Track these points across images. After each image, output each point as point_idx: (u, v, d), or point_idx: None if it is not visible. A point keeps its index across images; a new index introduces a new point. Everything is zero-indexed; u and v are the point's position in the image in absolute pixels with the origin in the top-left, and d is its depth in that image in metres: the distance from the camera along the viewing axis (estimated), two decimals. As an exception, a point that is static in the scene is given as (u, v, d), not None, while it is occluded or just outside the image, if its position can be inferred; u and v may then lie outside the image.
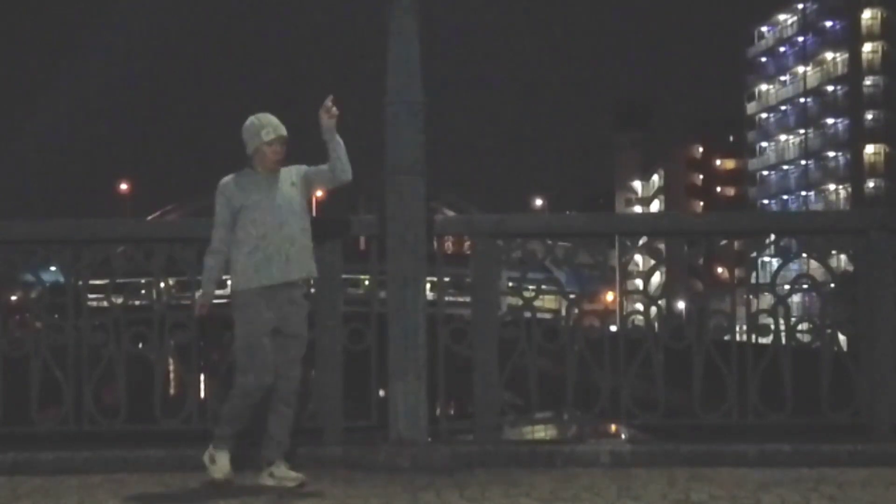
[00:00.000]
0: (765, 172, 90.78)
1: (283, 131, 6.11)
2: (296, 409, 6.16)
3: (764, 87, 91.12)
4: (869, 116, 78.14)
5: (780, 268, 7.10)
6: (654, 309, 6.93)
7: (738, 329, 7.01)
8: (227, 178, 6.13)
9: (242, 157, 6.20)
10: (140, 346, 6.92)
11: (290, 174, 6.14)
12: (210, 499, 5.79)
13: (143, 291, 7.35)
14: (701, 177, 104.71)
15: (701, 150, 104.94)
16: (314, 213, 6.49)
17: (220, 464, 5.99)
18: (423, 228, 6.68)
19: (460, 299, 11.43)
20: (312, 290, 6.80)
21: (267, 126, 6.08)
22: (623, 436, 17.71)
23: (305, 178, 6.17)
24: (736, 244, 7.05)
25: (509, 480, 6.08)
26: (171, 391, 10.69)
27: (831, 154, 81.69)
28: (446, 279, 7.14)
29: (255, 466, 6.10)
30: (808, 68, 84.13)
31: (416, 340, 6.57)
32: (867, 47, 78.32)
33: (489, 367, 6.76)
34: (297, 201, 6.11)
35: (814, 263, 7.85)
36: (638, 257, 9.20)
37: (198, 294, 6.28)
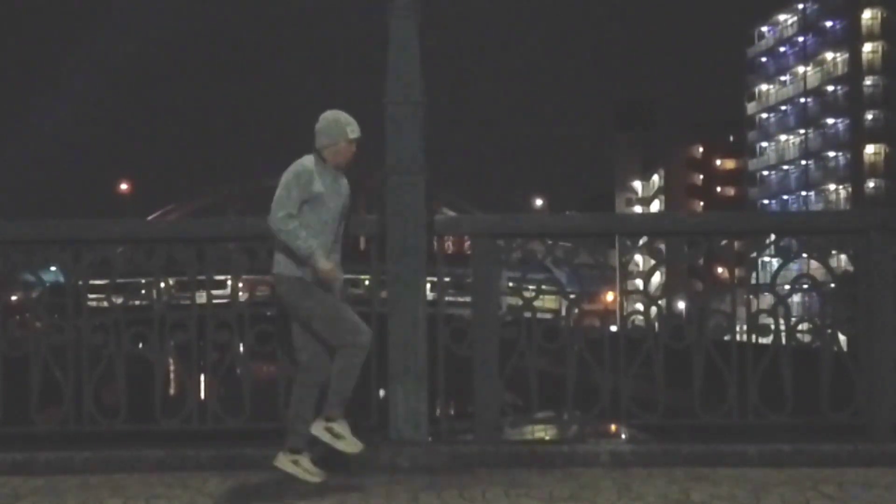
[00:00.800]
0: (765, 172, 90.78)
1: (358, 133, 6.21)
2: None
3: (764, 87, 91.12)
4: (869, 116, 78.13)
5: (780, 268, 7.10)
6: (654, 309, 6.93)
7: (738, 329, 7.01)
8: (308, 163, 6.13)
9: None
10: (140, 346, 6.92)
11: (346, 183, 6.27)
12: (210, 498, 5.79)
13: (143, 291, 7.35)
14: (701, 177, 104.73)
15: (701, 150, 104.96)
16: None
17: (311, 468, 6.06)
18: (423, 228, 6.68)
19: (460, 299, 11.43)
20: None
21: (352, 124, 6.18)
22: (623, 436, 17.72)
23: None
24: (736, 244, 7.04)
25: (509, 480, 6.08)
26: (171, 391, 10.69)
27: (831, 154, 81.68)
28: (446, 279, 7.14)
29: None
30: (809, 68, 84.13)
31: (416, 340, 6.57)
32: (867, 47, 78.31)
33: (489, 367, 6.76)
34: (347, 206, 6.25)
35: (814, 263, 7.85)
36: (638, 257, 9.19)
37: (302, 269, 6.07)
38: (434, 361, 6.78)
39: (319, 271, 5.98)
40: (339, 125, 6.14)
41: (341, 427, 5.98)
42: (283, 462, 6.05)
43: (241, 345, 6.83)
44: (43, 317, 7.00)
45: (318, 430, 5.99)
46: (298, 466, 6.04)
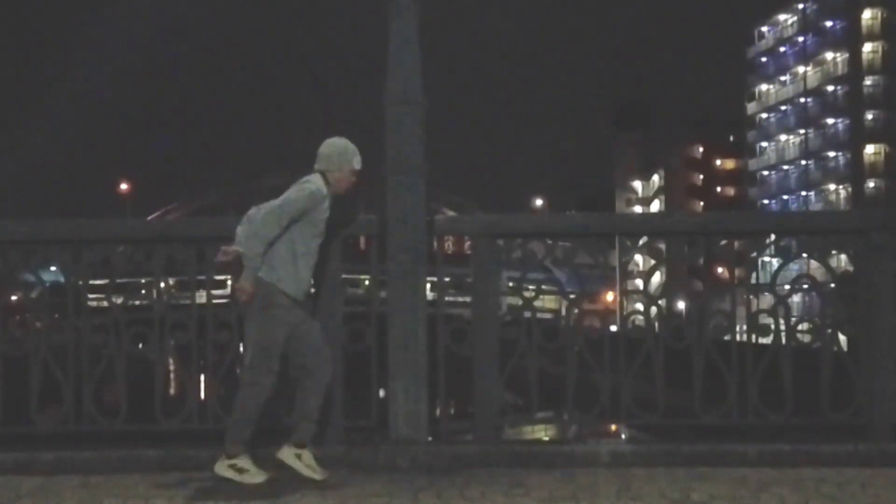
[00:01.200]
0: (765, 172, 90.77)
1: (360, 164, 6.37)
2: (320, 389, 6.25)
3: (764, 87, 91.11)
4: (869, 116, 78.12)
5: (780, 268, 7.10)
6: (654, 309, 6.93)
7: (738, 329, 7.01)
8: (322, 186, 6.26)
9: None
10: (140, 346, 6.92)
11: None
12: (210, 498, 5.79)
13: (143, 291, 7.35)
14: (701, 177, 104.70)
15: (701, 150, 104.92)
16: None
17: (312, 463, 6.15)
18: (423, 228, 6.68)
19: (460, 299, 11.42)
20: (313, 290, 6.81)
21: (357, 155, 6.36)
22: (623, 436, 17.72)
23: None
24: (736, 244, 7.04)
25: (509, 480, 6.08)
26: (171, 391, 10.69)
27: (831, 154, 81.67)
28: (446, 279, 7.14)
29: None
30: (809, 68, 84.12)
31: (416, 340, 6.57)
32: (867, 47, 78.29)
33: (489, 367, 6.76)
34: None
35: (814, 263, 7.85)
36: (638, 257, 9.20)
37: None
38: (434, 361, 6.78)
39: (240, 286, 6.08)
40: (346, 155, 6.32)
41: (244, 462, 6.08)
42: (286, 455, 6.11)
43: (241, 345, 6.83)
44: (43, 317, 7.00)
45: (221, 467, 6.08)
46: (300, 461, 6.09)
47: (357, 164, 6.33)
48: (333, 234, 6.52)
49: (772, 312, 6.88)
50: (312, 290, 6.49)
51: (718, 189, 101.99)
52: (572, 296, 7.12)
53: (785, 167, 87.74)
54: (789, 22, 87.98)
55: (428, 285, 6.75)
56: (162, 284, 6.91)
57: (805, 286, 7.21)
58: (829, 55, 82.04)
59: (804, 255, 7.35)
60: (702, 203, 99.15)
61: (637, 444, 6.84)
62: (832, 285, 7.20)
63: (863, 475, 6.18)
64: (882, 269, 6.79)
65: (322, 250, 6.34)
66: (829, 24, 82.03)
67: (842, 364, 6.84)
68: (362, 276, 6.93)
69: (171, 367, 7.42)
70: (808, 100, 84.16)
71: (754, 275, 7.14)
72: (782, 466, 6.40)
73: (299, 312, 6.17)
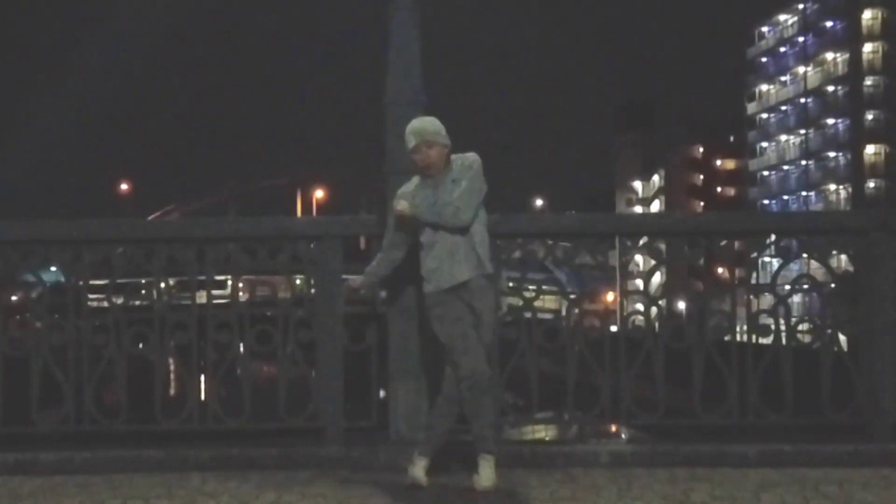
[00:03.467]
0: (765, 173, 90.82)
1: (422, 138, 5.97)
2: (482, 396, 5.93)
3: (764, 87, 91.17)
4: (869, 117, 78.18)
5: (780, 268, 7.10)
6: (654, 309, 6.92)
7: (738, 329, 7.01)
8: (410, 182, 6.10)
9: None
10: (140, 346, 6.92)
11: (453, 171, 6.00)
12: (210, 498, 5.79)
13: (143, 292, 7.35)
14: (701, 177, 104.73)
15: (701, 150, 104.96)
16: (314, 214, 6.49)
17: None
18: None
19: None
20: (313, 290, 6.81)
21: (408, 134, 6.04)
22: (623, 436, 17.73)
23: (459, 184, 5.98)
24: (736, 244, 7.04)
25: (509, 480, 6.08)
26: (172, 391, 10.70)
27: (832, 154, 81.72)
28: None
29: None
30: (809, 68, 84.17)
31: (416, 340, 6.56)
32: (868, 47, 78.35)
33: (489, 367, 6.74)
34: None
35: (814, 264, 7.85)
36: (638, 257, 9.19)
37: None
38: (434, 361, 6.77)
39: None
40: (405, 139, 6.08)
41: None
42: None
43: (242, 345, 6.83)
44: (43, 317, 7.00)
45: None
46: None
47: (409, 143, 6.01)
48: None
49: (772, 312, 6.88)
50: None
51: (719, 189, 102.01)
52: (572, 296, 7.12)
53: (785, 167, 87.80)
54: (789, 22, 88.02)
55: (428, 285, 6.72)
56: (162, 285, 6.91)
57: (805, 286, 7.21)
58: (829, 55, 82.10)
59: (804, 255, 7.35)
60: (702, 203, 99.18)
61: (637, 444, 6.84)
62: (832, 285, 7.19)
63: (863, 475, 6.18)
64: (882, 269, 6.79)
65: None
66: (829, 24, 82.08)
67: (842, 364, 6.84)
68: (362, 277, 6.89)
69: (172, 368, 7.42)
70: (809, 100, 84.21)
71: (754, 275, 7.14)
72: (782, 466, 6.40)
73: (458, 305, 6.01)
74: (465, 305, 5.91)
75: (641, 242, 7.03)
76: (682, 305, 64.86)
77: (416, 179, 6.08)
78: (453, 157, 6.05)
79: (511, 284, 7.16)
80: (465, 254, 5.92)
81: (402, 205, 6.00)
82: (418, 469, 5.96)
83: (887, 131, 76.70)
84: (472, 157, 6.06)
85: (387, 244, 6.20)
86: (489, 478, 5.85)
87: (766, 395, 6.79)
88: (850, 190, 78.46)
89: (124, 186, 74.56)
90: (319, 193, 73.99)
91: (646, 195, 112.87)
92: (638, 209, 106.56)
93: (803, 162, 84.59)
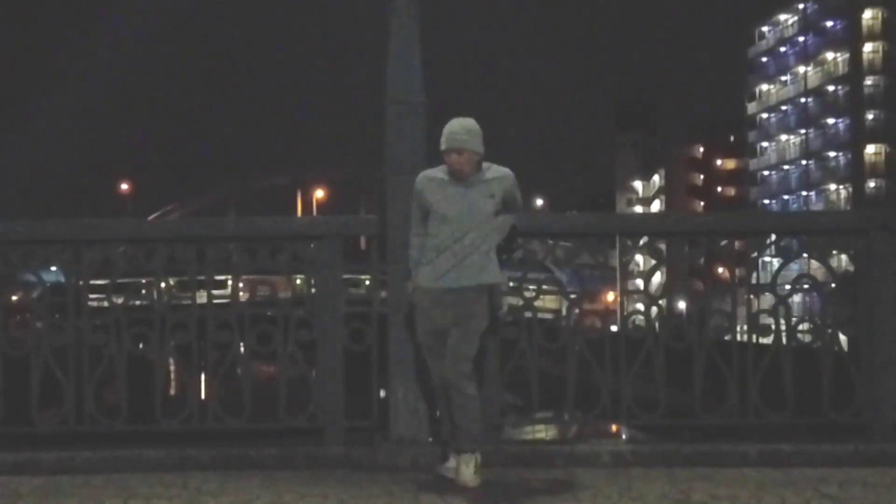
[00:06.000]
0: (765, 172, 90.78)
1: (457, 142, 5.97)
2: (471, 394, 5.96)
3: (764, 86, 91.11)
4: (870, 116, 78.13)
5: (780, 268, 7.10)
6: (654, 309, 6.92)
7: (738, 329, 7.01)
8: (424, 172, 6.13)
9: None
10: (141, 346, 6.92)
11: (492, 187, 6.04)
12: (210, 498, 5.79)
13: (143, 291, 7.35)
14: (701, 177, 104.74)
15: (701, 150, 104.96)
16: (314, 213, 6.48)
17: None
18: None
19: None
20: (313, 290, 6.81)
21: (445, 134, 6.04)
22: (624, 436, 17.72)
23: (504, 200, 6.09)
24: (736, 244, 7.04)
25: (509, 480, 6.08)
26: (172, 391, 10.70)
27: (832, 154, 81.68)
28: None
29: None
30: (809, 68, 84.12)
31: (416, 340, 6.56)
32: (868, 47, 78.30)
33: (489, 367, 6.75)
34: (488, 213, 6.02)
35: (815, 263, 7.85)
36: (639, 257, 9.19)
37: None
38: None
39: None
40: (441, 136, 6.10)
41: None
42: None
43: (242, 345, 6.84)
44: (44, 317, 7.00)
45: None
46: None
47: (442, 144, 6.04)
48: None
49: (772, 312, 6.87)
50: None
51: (719, 189, 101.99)
52: (573, 296, 7.12)
53: (785, 167, 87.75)
54: (790, 22, 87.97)
55: (428, 285, 6.72)
56: (162, 284, 6.91)
57: (806, 286, 7.21)
58: (829, 55, 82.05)
59: (805, 255, 7.35)
60: (702, 203, 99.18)
61: (637, 444, 6.84)
62: (833, 285, 7.20)
63: (863, 475, 6.18)
64: (882, 269, 6.78)
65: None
66: (829, 24, 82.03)
67: (842, 364, 6.84)
68: (362, 276, 6.90)
69: (172, 367, 7.41)
70: (809, 100, 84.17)
71: (755, 275, 7.14)
72: (783, 466, 6.40)
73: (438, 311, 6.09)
74: (446, 307, 5.94)
75: (642, 242, 7.04)
76: (682, 305, 64.81)
77: (440, 172, 6.08)
78: (485, 164, 6.07)
79: (512, 284, 7.16)
80: (471, 261, 5.96)
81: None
82: (467, 469, 5.91)
83: (887, 131, 76.65)
84: (510, 174, 6.12)
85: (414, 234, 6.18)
86: (466, 474, 5.87)
87: (767, 395, 6.79)
88: (850, 190, 78.42)
89: (124, 186, 74.60)
90: (319, 193, 74.07)
91: (646, 195, 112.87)
92: (638, 209, 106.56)
93: (803, 162, 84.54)
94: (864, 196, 76.72)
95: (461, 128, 6.02)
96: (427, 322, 6.04)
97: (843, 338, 7.01)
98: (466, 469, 5.90)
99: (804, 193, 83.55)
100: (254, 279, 7.03)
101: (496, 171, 6.09)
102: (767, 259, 7.75)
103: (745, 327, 6.92)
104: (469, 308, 5.97)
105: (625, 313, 6.93)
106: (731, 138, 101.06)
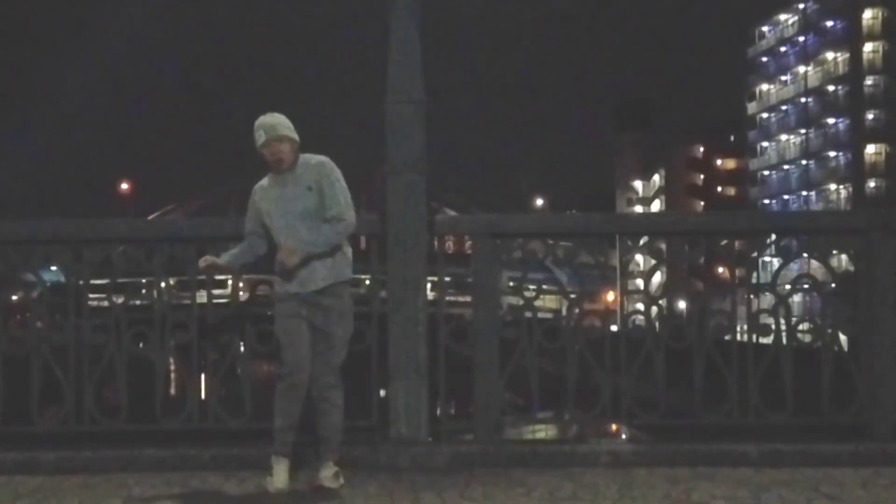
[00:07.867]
0: (766, 172, 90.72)
1: (274, 133, 5.88)
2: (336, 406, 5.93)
3: (765, 86, 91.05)
4: (870, 116, 78.07)
5: (780, 268, 7.10)
6: (654, 309, 6.93)
7: (738, 329, 7.01)
8: (263, 180, 6.05)
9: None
10: (141, 345, 6.92)
11: (310, 177, 5.88)
12: (210, 498, 5.79)
13: (143, 291, 7.35)
14: (702, 177, 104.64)
15: (702, 149, 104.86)
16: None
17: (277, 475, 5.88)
18: (424, 228, 6.68)
19: (461, 299, 11.40)
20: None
21: (258, 129, 5.93)
22: (624, 436, 17.72)
23: (320, 191, 5.87)
24: (737, 244, 7.04)
25: (509, 480, 6.08)
26: (172, 391, 10.69)
27: (832, 154, 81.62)
28: (447, 279, 7.13)
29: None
30: (809, 68, 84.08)
31: (416, 340, 6.56)
32: (868, 47, 78.25)
33: (489, 367, 6.76)
34: (310, 207, 5.85)
35: (815, 263, 7.84)
36: (639, 257, 9.19)
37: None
38: (434, 361, 6.78)
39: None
40: (254, 134, 5.99)
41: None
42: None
43: (242, 345, 6.83)
44: (44, 316, 7.00)
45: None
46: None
47: (258, 139, 5.92)
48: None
49: (772, 312, 6.88)
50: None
51: (719, 189, 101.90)
52: (573, 295, 7.12)
53: (785, 167, 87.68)
54: (790, 22, 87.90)
55: (428, 285, 6.74)
56: (163, 284, 6.91)
57: (806, 286, 7.21)
58: (829, 55, 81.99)
59: (805, 254, 7.35)
60: (702, 203, 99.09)
61: (637, 444, 6.84)
62: (833, 285, 7.19)
63: (863, 475, 6.17)
64: (882, 269, 6.78)
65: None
66: (829, 23, 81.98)
67: (842, 364, 6.84)
68: (363, 276, 6.90)
69: (172, 367, 7.42)
70: (809, 100, 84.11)
71: (755, 275, 7.14)
72: (783, 466, 6.40)
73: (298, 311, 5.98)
74: (306, 307, 5.84)
75: (642, 242, 7.04)
76: (682, 305, 64.82)
77: (266, 181, 6.02)
78: (302, 157, 5.97)
79: (511, 284, 7.16)
80: (322, 260, 5.86)
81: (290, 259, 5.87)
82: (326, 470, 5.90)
83: (887, 131, 76.60)
84: (326, 160, 5.97)
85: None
86: (327, 479, 5.85)
87: (767, 394, 6.79)
88: (850, 190, 78.37)
89: (124, 186, 74.54)
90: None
91: (646, 195, 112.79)
92: (638, 209, 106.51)
93: (803, 162, 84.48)
94: (864, 196, 76.68)
95: (273, 119, 5.95)
96: (289, 317, 5.87)
97: (843, 338, 7.01)
98: (329, 472, 5.88)
99: (804, 193, 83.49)
100: (254, 279, 7.03)
101: (310, 160, 5.96)
102: (767, 259, 7.75)
103: (745, 327, 6.92)
104: (331, 315, 5.86)
105: (625, 313, 6.93)
106: (731, 138, 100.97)
